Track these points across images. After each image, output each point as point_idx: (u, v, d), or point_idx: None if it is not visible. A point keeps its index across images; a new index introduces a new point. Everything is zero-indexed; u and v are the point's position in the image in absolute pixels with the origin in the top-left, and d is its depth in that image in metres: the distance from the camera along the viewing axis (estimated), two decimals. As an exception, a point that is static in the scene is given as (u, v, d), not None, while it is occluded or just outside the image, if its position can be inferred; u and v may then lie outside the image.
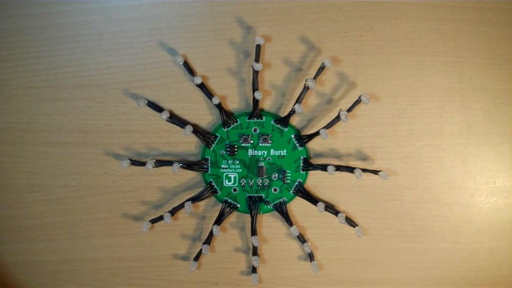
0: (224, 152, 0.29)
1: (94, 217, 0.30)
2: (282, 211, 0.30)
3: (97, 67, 0.29)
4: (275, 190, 0.30)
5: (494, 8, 0.29)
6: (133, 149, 0.30)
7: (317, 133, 0.28)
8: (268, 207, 0.30)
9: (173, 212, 0.29)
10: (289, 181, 0.30)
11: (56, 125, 0.29)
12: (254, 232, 0.29)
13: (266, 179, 0.30)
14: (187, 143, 0.30)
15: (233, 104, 0.29)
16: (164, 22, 0.28)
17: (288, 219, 0.30)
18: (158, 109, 0.29)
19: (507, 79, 0.30)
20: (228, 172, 0.29)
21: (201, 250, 0.30)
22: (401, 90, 0.29)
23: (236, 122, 0.29)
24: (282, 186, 0.30)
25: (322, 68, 0.27)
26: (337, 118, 0.27)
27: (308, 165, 0.29)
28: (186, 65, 0.28)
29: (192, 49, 0.29)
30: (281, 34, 0.29)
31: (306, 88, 0.27)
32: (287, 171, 0.30)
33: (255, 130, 0.29)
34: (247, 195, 0.30)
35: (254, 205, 0.30)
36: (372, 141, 0.30)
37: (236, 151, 0.29)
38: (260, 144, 0.29)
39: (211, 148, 0.29)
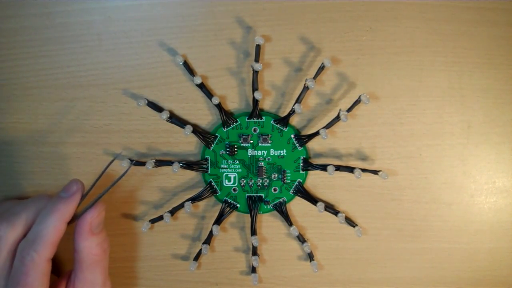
0: (224, 152, 0.29)
1: (94, 217, 0.30)
2: (282, 211, 0.30)
3: (97, 67, 0.29)
4: (275, 190, 0.30)
5: (494, 8, 0.29)
6: (133, 149, 0.30)
7: (317, 133, 0.28)
8: (268, 207, 0.30)
9: (173, 212, 0.29)
10: (289, 181, 0.30)
11: (56, 125, 0.29)
12: (253, 232, 0.29)
13: (266, 179, 0.30)
14: (187, 143, 0.30)
15: (233, 104, 0.29)
16: (164, 22, 0.28)
17: (288, 219, 0.30)
18: (158, 109, 0.29)
19: (507, 79, 0.30)
20: (228, 172, 0.29)
21: (201, 250, 0.30)
22: (401, 90, 0.29)
23: (236, 122, 0.29)
24: (282, 186, 0.30)
25: (322, 68, 0.27)
26: (337, 118, 0.27)
27: (308, 165, 0.29)
28: (186, 65, 0.28)
29: (192, 49, 0.29)
30: (281, 34, 0.29)
31: (306, 88, 0.27)
32: (287, 171, 0.30)
33: (255, 130, 0.29)
34: (247, 195, 0.30)
35: (254, 205, 0.30)
36: (372, 141, 0.30)
37: (236, 151, 0.29)
38: (260, 144, 0.29)
39: (211, 148, 0.29)
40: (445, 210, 0.31)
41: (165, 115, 0.28)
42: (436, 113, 0.30)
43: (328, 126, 0.28)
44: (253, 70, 0.27)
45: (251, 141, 0.29)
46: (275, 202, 0.30)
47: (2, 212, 0.25)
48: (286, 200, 0.30)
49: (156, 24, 0.28)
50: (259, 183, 0.30)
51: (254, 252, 0.30)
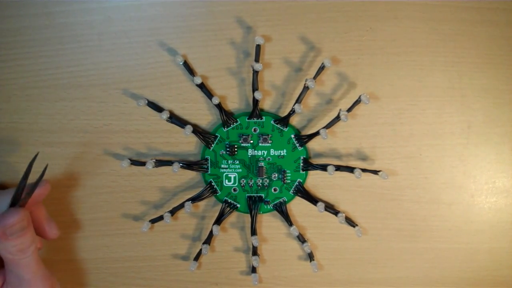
0: (224, 152, 0.29)
1: (94, 217, 0.30)
2: (282, 211, 0.30)
3: (97, 67, 0.29)
4: (275, 190, 0.30)
5: (494, 8, 0.29)
6: (133, 149, 0.30)
7: (317, 133, 0.28)
8: (268, 207, 0.30)
9: (173, 212, 0.29)
10: (289, 181, 0.30)
11: (56, 125, 0.29)
12: (254, 232, 0.29)
13: (266, 179, 0.30)
14: (187, 143, 0.30)
15: (233, 104, 0.29)
16: (164, 22, 0.28)
17: (288, 219, 0.30)
18: (158, 109, 0.29)
19: (507, 79, 0.30)
20: (228, 172, 0.29)
21: (201, 250, 0.30)
22: (401, 90, 0.29)
23: (236, 122, 0.29)
24: (282, 186, 0.30)
25: (322, 68, 0.27)
26: (337, 118, 0.27)
27: (308, 165, 0.29)
28: (186, 65, 0.28)
29: (192, 49, 0.29)
30: (281, 34, 0.29)
31: (306, 88, 0.27)
32: (287, 171, 0.30)
33: (255, 130, 0.29)
34: (247, 195, 0.30)
35: (254, 205, 0.30)
36: (372, 141, 0.30)
37: (236, 151, 0.29)
38: (260, 144, 0.29)
39: (211, 148, 0.29)
40: (445, 210, 0.31)
41: (165, 115, 0.28)
42: (436, 113, 0.30)
43: (328, 126, 0.28)
44: (253, 70, 0.27)
45: (251, 141, 0.29)
46: (275, 202, 0.30)
47: None
48: (286, 200, 0.30)
49: (156, 24, 0.28)
50: (259, 183, 0.30)
51: (254, 252, 0.30)
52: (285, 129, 0.29)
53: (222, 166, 0.29)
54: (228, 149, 0.29)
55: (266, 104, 0.30)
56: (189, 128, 0.28)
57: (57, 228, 0.28)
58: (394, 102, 0.30)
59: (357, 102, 0.27)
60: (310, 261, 0.30)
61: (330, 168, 0.28)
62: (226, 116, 0.29)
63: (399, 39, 0.29)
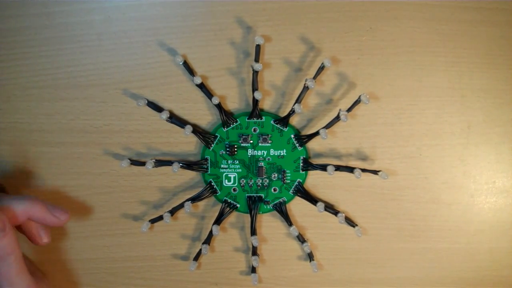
0: (224, 152, 0.29)
1: (94, 217, 0.30)
2: (281, 211, 0.30)
3: (97, 67, 0.29)
4: (274, 190, 0.30)
5: (493, 8, 0.29)
6: (133, 149, 0.30)
7: (316, 133, 0.28)
8: (268, 207, 0.30)
9: (172, 212, 0.29)
10: (289, 181, 0.30)
11: (56, 125, 0.29)
12: (253, 232, 0.29)
13: (265, 179, 0.30)
14: (186, 143, 0.30)
15: (233, 104, 0.29)
16: (164, 22, 0.28)
17: (287, 219, 0.30)
18: (158, 109, 0.29)
19: (507, 79, 0.30)
20: (227, 172, 0.29)
21: (200, 250, 0.30)
22: (401, 90, 0.29)
23: (236, 122, 0.29)
24: (282, 186, 0.30)
25: (322, 68, 0.27)
26: (337, 118, 0.27)
27: (308, 165, 0.29)
28: (186, 65, 0.28)
29: (192, 49, 0.29)
30: (281, 34, 0.29)
31: (305, 88, 0.27)
32: (287, 171, 0.30)
33: (254, 130, 0.29)
34: (246, 195, 0.30)
35: (253, 205, 0.30)
36: (372, 141, 0.30)
37: (236, 151, 0.29)
38: (259, 144, 0.29)
39: (211, 148, 0.29)
40: (445, 210, 0.31)
41: (165, 115, 0.28)
42: (436, 113, 0.30)
43: (328, 126, 0.28)
44: (253, 70, 0.27)
45: (251, 141, 0.29)
46: (275, 202, 0.30)
47: None
48: (286, 200, 0.30)
49: (156, 24, 0.28)
50: (259, 183, 0.30)
51: (254, 252, 0.30)
52: (285, 129, 0.29)
53: (222, 166, 0.29)
54: (228, 149, 0.29)
55: (266, 104, 0.30)
56: (189, 128, 0.28)
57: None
58: (394, 102, 0.30)
59: (357, 102, 0.27)
60: (310, 261, 0.30)
61: (330, 168, 0.28)
62: (226, 116, 0.29)
63: (399, 39, 0.29)
